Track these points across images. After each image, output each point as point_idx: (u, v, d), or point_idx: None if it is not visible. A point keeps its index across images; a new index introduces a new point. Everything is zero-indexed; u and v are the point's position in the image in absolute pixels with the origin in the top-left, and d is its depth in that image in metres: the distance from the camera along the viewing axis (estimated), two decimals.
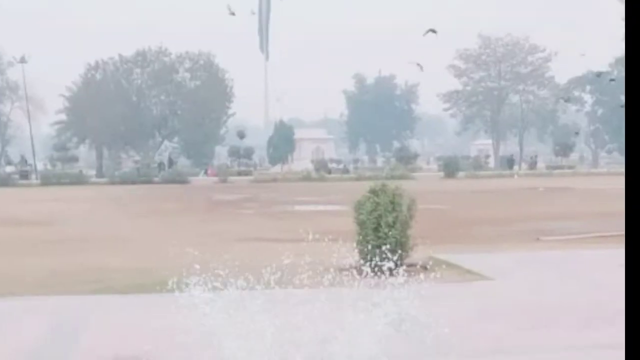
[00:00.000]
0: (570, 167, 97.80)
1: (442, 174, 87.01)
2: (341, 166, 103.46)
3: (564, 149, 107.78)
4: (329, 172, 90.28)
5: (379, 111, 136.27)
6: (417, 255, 18.15)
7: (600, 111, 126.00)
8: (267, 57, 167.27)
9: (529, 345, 11.40)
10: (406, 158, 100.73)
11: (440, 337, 10.98)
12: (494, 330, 12.27)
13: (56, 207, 44.60)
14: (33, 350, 11.47)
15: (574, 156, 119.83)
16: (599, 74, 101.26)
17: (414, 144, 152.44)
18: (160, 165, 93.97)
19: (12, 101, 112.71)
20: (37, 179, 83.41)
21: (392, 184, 19.10)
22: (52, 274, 18.67)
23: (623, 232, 21.14)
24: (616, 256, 18.74)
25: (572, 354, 10.85)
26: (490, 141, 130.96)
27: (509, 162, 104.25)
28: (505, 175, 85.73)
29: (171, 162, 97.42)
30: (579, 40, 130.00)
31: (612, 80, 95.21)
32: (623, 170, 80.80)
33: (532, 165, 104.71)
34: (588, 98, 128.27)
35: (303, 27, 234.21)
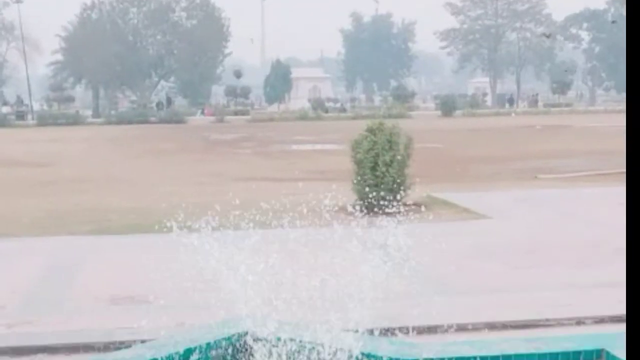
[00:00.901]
0: (567, 105, 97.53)
1: (439, 112, 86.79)
2: (338, 105, 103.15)
3: (562, 87, 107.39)
4: (326, 111, 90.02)
5: (375, 50, 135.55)
6: (414, 193, 18.10)
7: (597, 49, 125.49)
8: None
9: (527, 284, 11.37)
10: (403, 96, 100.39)
11: (437, 275, 10.97)
12: (492, 269, 12.26)
13: (53, 147, 44.48)
14: (29, 291, 11.44)
15: (571, 94, 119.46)
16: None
17: (411, 83, 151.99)
18: (159, 104, 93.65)
19: (7, 41, 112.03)
20: (33, 119, 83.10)
21: (389, 123, 19.00)
22: (49, 214, 18.62)
23: (622, 170, 21.11)
24: (615, 194, 18.70)
25: (571, 292, 10.82)
26: (487, 79, 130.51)
27: (510, 101, 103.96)
28: (502, 114, 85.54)
29: (170, 101, 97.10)
30: None
31: (613, 22, 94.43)
32: (620, 107, 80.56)
33: (533, 103, 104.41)
34: (585, 35, 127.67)
35: None
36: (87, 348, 8.77)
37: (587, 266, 12.28)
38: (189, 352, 7.27)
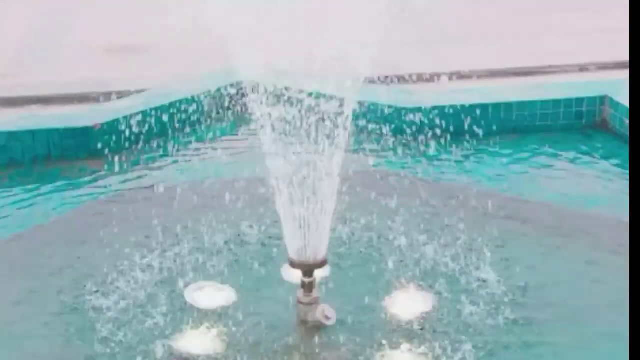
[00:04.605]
0: None
1: None
2: None
3: None
4: None
5: None
6: None
7: None
8: None
9: (529, 31, 11.13)
10: None
11: (435, 22, 10.68)
12: (491, 15, 11.94)
13: None
14: (22, 42, 11.22)
15: None
16: None
17: None
18: None
19: None
20: None
21: None
22: None
23: None
24: None
25: (574, 38, 10.59)
26: None
27: None
28: None
29: None
30: None
31: None
32: None
33: None
34: None
35: None
36: (82, 99, 8.65)
37: (591, 11, 11.95)
38: (184, 102, 7.17)
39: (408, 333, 4.23)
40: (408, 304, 4.47)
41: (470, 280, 4.74)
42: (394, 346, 4.11)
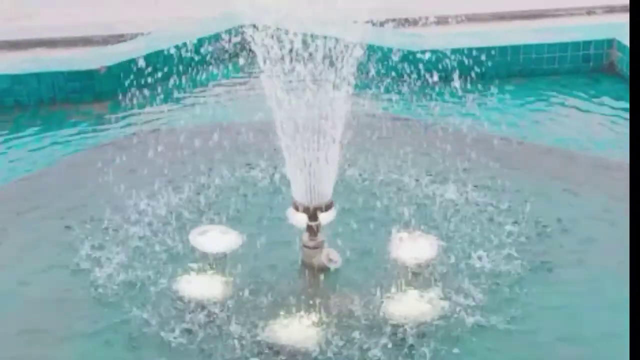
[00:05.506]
0: None
1: None
2: None
3: None
4: None
5: None
6: None
7: None
8: None
9: None
10: None
11: None
12: None
13: None
14: None
15: None
16: None
17: None
18: None
19: None
20: None
21: None
22: None
23: None
24: None
25: None
26: None
27: None
28: None
29: None
30: None
31: None
32: None
33: None
34: None
35: None
36: (86, 42, 8.61)
37: None
38: (187, 44, 7.12)
39: (413, 275, 4.20)
40: (414, 247, 4.44)
41: (479, 224, 4.69)
42: (399, 288, 4.09)
